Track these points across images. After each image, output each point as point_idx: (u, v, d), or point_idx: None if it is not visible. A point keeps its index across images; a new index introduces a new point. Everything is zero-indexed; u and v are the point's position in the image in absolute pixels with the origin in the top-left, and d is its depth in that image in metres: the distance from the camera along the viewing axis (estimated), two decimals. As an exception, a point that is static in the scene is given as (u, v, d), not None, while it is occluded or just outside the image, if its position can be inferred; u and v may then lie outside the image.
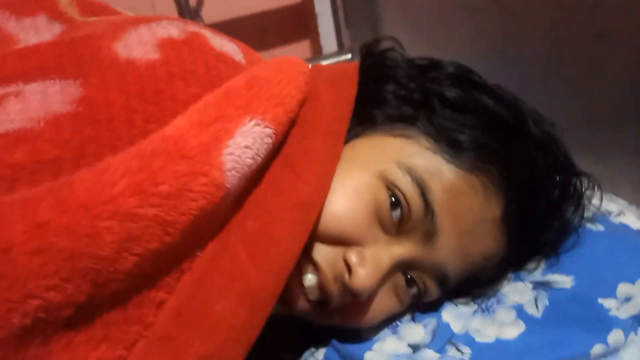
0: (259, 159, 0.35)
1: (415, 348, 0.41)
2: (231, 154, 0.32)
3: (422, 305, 0.44)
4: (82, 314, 0.28)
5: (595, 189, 0.49)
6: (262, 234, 0.35)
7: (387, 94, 0.44)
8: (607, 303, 0.42)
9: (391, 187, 0.39)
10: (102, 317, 0.29)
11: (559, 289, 0.42)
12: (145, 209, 0.29)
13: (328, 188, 0.38)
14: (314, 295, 0.39)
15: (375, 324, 0.42)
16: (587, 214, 0.50)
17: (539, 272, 0.45)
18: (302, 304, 0.40)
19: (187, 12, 0.86)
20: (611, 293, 0.42)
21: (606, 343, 0.40)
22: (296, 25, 1.05)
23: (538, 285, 0.43)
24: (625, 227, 0.54)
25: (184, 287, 0.32)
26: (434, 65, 0.46)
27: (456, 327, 0.42)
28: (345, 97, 0.43)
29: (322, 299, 0.40)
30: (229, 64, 0.39)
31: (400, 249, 0.39)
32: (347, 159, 0.41)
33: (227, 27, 0.46)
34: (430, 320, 0.43)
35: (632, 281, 0.42)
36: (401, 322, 0.43)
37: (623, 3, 0.53)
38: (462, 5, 0.75)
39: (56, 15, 0.43)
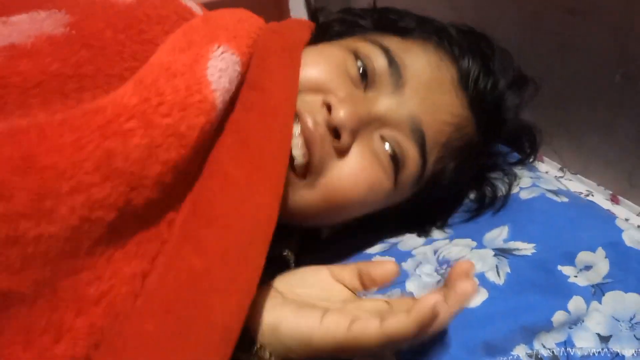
0: (233, 86, 0.36)
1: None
2: (212, 75, 0.34)
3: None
4: (121, 224, 0.30)
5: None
6: (243, 145, 0.36)
7: (341, 16, 0.52)
8: (566, 270, 0.42)
9: (356, 54, 0.43)
10: (134, 232, 0.31)
11: (520, 256, 0.43)
12: (159, 117, 0.31)
13: (295, 95, 0.39)
14: (298, 150, 0.39)
15: (361, 195, 0.42)
16: (550, 187, 0.50)
17: (500, 239, 0.45)
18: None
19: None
20: (571, 260, 0.42)
21: (567, 310, 0.40)
22: (268, 6, 1.04)
23: (500, 253, 0.43)
24: (590, 201, 0.54)
25: (187, 205, 0.34)
26: None
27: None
28: (300, 30, 0.47)
29: (305, 161, 0.40)
30: (194, 17, 0.41)
31: (376, 100, 0.42)
32: (317, 48, 0.45)
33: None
34: (394, 291, 0.42)
35: (593, 249, 0.43)
36: (365, 295, 0.43)
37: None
38: (435, -18, 0.75)
39: None
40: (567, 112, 0.65)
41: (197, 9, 0.44)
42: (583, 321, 0.41)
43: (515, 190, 0.50)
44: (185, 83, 0.33)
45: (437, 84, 0.44)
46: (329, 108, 0.40)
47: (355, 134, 0.41)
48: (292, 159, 0.39)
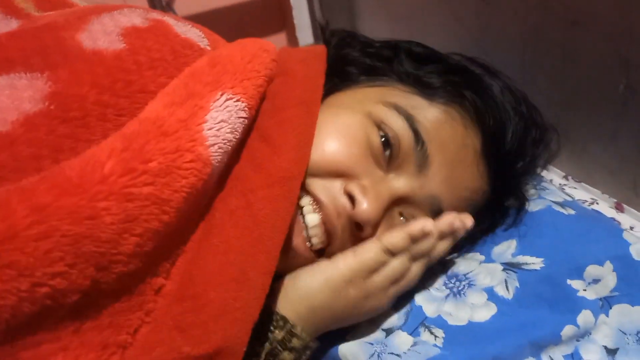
0: (237, 135, 0.35)
1: (388, 332, 0.42)
2: (210, 128, 0.33)
3: None
4: (88, 301, 0.29)
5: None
6: (246, 213, 0.35)
7: (357, 52, 0.48)
8: (576, 284, 0.42)
9: (380, 125, 0.41)
10: (107, 304, 0.30)
11: (529, 271, 0.43)
12: (139, 187, 0.29)
13: (307, 159, 0.38)
14: (317, 238, 0.39)
15: None
16: (557, 199, 0.50)
17: (509, 253, 0.45)
18: (304, 251, 0.39)
19: (159, 4, 0.85)
20: (579, 274, 0.42)
21: (576, 324, 0.40)
22: (272, 17, 1.04)
23: (508, 267, 0.44)
24: (597, 212, 0.55)
25: (179, 271, 0.33)
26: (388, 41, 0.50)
27: (429, 311, 0.42)
28: (315, 70, 0.44)
29: (323, 247, 0.40)
30: (194, 50, 0.39)
31: (397, 182, 0.41)
32: (333, 106, 0.43)
33: (201, 20, 0.45)
34: (403, 304, 0.43)
35: (601, 263, 0.43)
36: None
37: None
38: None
39: (12, 11, 0.42)
40: (571, 121, 0.65)
41: (199, 38, 0.41)
42: (590, 334, 0.41)
43: (531, 194, 0.50)
44: (175, 143, 0.31)
45: (460, 160, 0.43)
46: (351, 198, 0.39)
47: (378, 224, 0.40)
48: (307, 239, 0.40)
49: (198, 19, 0.46)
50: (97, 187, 0.28)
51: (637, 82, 0.54)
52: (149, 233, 0.30)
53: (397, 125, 0.41)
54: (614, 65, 0.55)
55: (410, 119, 0.41)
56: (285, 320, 0.37)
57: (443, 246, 0.41)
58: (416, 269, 0.41)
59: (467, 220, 0.41)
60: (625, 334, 0.41)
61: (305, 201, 0.39)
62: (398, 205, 0.42)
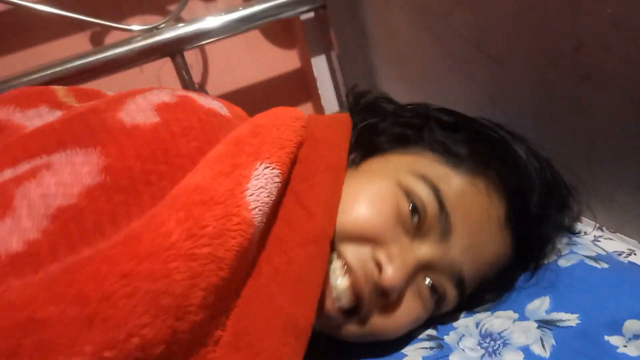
0: (272, 197, 0.40)
1: (427, 398, 0.41)
2: (251, 195, 0.38)
3: (440, 317, 0.47)
4: (168, 355, 0.32)
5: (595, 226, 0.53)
6: (289, 269, 0.40)
7: (388, 121, 0.51)
8: (614, 340, 0.41)
9: (409, 193, 0.44)
10: (181, 356, 0.34)
11: (564, 327, 0.42)
12: (200, 248, 0.34)
13: (335, 217, 0.42)
14: (346, 300, 0.42)
15: (403, 332, 0.45)
16: (589, 253, 0.50)
17: (542, 310, 0.44)
18: (332, 311, 0.42)
19: (192, 87, 0.91)
20: (617, 330, 0.41)
21: (619, 381, 0.39)
22: (298, 89, 1.10)
23: (543, 324, 0.43)
24: (632, 264, 0.53)
25: (232, 323, 0.37)
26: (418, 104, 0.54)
27: (465, 374, 0.41)
28: (341, 136, 0.49)
29: (352, 307, 0.43)
30: (217, 117, 0.45)
31: (422, 249, 0.43)
32: (367, 172, 0.47)
33: (231, 98, 0.49)
34: (439, 366, 0.42)
35: (639, 317, 0.42)
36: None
37: (603, 43, 0.55)
38: (451, 55, 0.79)
39: (56, 104, 0.48)
40: (595, 173, 0.65)
41: (219, 107, 0.46)
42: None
43: (552, 258, 0.50)
44: (225, 210, 0.36)
45: (484, 229, 0.45)
46: (378, 265, 0.42)
47: (404, 290, 0.43)
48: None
49: (228, 97, 0.50)
50: (168, 252, 0.33)
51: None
52: (210, 287, 0.34)
53: (425, 195, 0.44)
54: (630, 116, 0.56)
55: (436, 190, 0.44)
56: None
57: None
58: None
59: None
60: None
61: (337, 265, 0.43)
62: (423, 271, 0.44)
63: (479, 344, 0.43)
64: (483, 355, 0.42)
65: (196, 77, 1.01)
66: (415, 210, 0.43)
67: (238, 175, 0.38)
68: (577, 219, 0.54)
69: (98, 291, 0.30)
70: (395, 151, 0.49)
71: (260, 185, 0.38)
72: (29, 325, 0.29)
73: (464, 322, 0.46)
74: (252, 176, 0.38)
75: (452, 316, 0.48)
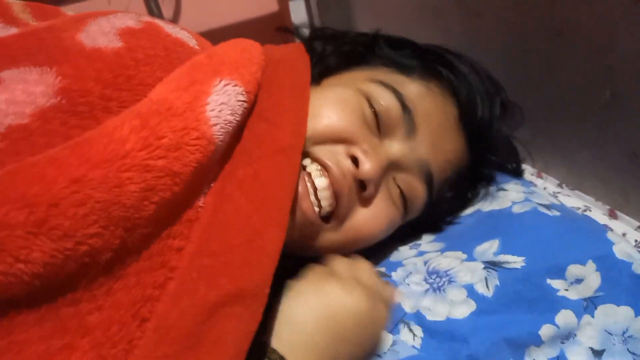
0: (237, 117, 0.39)
1: (368, 331, 0.41)
2: (212, 110, 0.37)
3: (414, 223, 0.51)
4: (117, 259, 0.32)
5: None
6: (255, 180, 0.39)
7: (337, 42, 0.54)
8: (556, 284, 0.42)
9: (370, 98, 0.46)
10: (132, 263, 0.33)
11: (509, 269, 0.43)
12: (155, 160, 0.33)
13: (304, 131, 0.42)
14: (326, 200, 0.43)
15: (380, 235, 0.47)
16: (543, 202, 0.50)
17: (491, 252, 0.45)
18: (312, 216, 0.42)
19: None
20: (560, 274, 0.42)
21: (555, 324, 0.40)
22: (273, 33, 1.08)
23: (489, 265, 0.44)
24: (584, 215, 0.54)
25: (196, 234, 0.36)
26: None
27: (408, 306, 0.42)
28: (301, 59, 0.49)
29: (329, 212, 0.43)
30: (185, 48, 0.43)
31: (392, 147, 0.46)
32: (328, 86, 0.49)
33: (205, 38, 0.48)
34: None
35: (583, 263, 0.43)
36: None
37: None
38: (427, 6, 0.77)
39: (11, 20, 0.45)
40: (559, 130, 0.66)
41: (188, 38, 0.45)
42: (575, 335, 0.41)
43: (507, 204, 0.51)
44: (183, 122, 0.35)
45: (443, 126, 0.49)
46: (354, 160, 0.43)
47: (379, 184, 0.45)
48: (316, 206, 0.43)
49: (202, 36, 0.48)
50: (122, 160, 0.32)
51: (621, 90, 0.54)
52: (163, 201, 0.33)
53: (385, 97, 0.46)
54: (598, 73, 0.56)
55: (395, 92, 0.46)
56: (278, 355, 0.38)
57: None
58: None
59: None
60: (611, 334, 0.40)
61: (313, 167, 0.43)
62: (392, 172, 0.46)
63: (425, 280, 0.44)
64: (427, 290, 0.43)
65: (167, 14, 0.97)
66: (378, 112, 0.45)
67: (197, 90, 0.37)
68: (517, 127, 0.59)
69: (46, 195, 0.29)
70: (350, 69, 0.51)
71: (221, 101, 0.37)
72: None
73: (413, 261, 0.47)
74: (212, 91, 0.37)
75: (403, 253, 0.49)
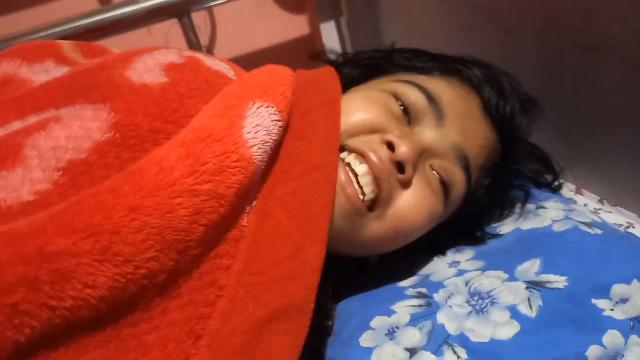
0: (273, 136, 0.41)
1: (412, 352, 0.42)
2: (249, 132, 0.39)
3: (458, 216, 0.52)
4: (171, 280, 0.35)
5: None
6: (293, 197, 0.41)
7: (357, 59, 0.60)
8: (601, 303, 0.41)
9: (397, 95, 0.48)
10: (185, 285, 0.36)
11: (552, 289, 0.43)
12: (201, 184, 0.35)
13: (338, 147, 0.44)
14: (367, 186, 0.44)
15: (423, 225, 0.48)
16: (584, 220, 0.50)
17: (532, 272, 0.45)
18: (357, 203, 0.44)
19: (199, 50, 0.90)
20: (605, 293, 0.42)
21: (602, 344, 0.39)
22: (306, 56, 1.10)
23: (531, 285, 0.44)
24: (626, 232, 0.54)
25: (242, 252, 0.39)
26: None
27: (451, 328, 0.42)
28: (330, 78, 0.51)
29: (374, 196, 0.45)
30: (224, 79, 0.45)
31: (422, 134, 0.47)
32: (354, 91, 0.52)
33: (240, 62, 0.50)
34: (426, 323, 0.43)
35: (628, 282, 0.42)
36: (398, 328, 0.44)
37: (613, 12, 0.54)
38: (459, 24, 0.78)
39: (63, 60, 0.49)
40: (597, 145, 0.65)
41: (226, 69, 0.47)
42: (623, 356, 0.40)
43: (547, 222, 0.51)
44: (223, 147, 0.37)
45: (469, 114, 0.50)
46: (389, 145, 0.45)
47: (415, 166, 0.46)
48: (362, 194, 0.44)
49: (237, 61, 0.51)
50: (172, 187, 0.34)
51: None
52: (210, 223, 0.36)
53: (410, 92, 0.48)
54: (636, 87, 0.56)
55: (420, 87, 0.49)
56: None
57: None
58: None
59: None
60: (659, 355, 0.40)
61: (350, 157, 0.45)
62: (427, 159, 0.47)
63: (467, 302, 0.44)
64: (470, 312, 0.43)
65: (204, 40, 1.01)
66: (406, 110, 0.48)
67: (232, 115, 0.39)
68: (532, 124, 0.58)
69: (107, 224, 0.32)
70: (373, 78, 0.55)
71: (256, 122, 0.40)
72: (41, 257, 0.30)
73: (454, 281, 0.47)
74: (246, 115, 0.39)
75: (443, 272, 0.49)
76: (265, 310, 0.37)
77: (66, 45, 0.52)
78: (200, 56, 0.47)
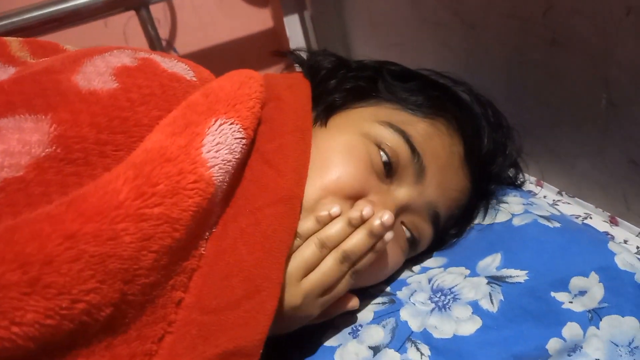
0: (236, 155, 0.39)
1: (375, 350, 0.42)
2: (209, 151, 0.36)
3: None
4: (119, 314, 0.32)
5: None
6: (256, 229, 0.39)
7: (338, 77, 0.52)
8: (560, 296, 0.42)
9: (379, 142, 0.45)
10: (134, 318, 0.33)
11: (513, 283, 0.43)
12: (151, 208, 0.32)
13: (305, 179, 0.42)
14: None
15: (383, 279, 0.47)
16: (543, 213, 0.51)
17: (493, 267, 0.45)
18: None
19: (159, 44, 0.88)
20: (564, 286, 0.42)
21: (561, 337, 0.40)
22: (270, 49, 1.08)
23: (493, 280, 0.44)
24: (584, 224, 0.55)
25: (196, 284, 0.36)
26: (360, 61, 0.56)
27: (414, 325, 0.42)
28: (304, 97, 0.48)
29: None
30: (181, 83, 0.42)
31: (400, 193, 0.45)
32: (334, 127, 0.48)
33: (202, 57, 0.48)
34: (389, 320, 0.43)
35: (586, 274, 0.43)
36: (361, 326, 0.44)
37: (572, 6, 0.55)
38: (427, 19, 0.78)
39: (9, 59, 0.45)
40: (558, 138, 0.66)
41: (185, 71, 0.44)
42: (582, 348, 0.41)
43: (507, 217, 0.51)
44: (178, 167, 0.34)
45: (450, 168, 0.48)
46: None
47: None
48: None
49: (199, 56, 0.49)
50: (115, 211, 0.31)
51: (618, 97, 0.55)
52: (164, 249, 0.33)
53: (394, 141, 0.45)
54: (595, 82, 0.56)
55: (404, 135, 0.45)
56: None
57: (358, 238, 0.41)
58: (337, 267, 0.41)
59: (385, 215, 0.41)
60: (617, 345, 0.40)
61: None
62: (399, 216, 0.45)
63: (430, 299, 0.44)
64: (433, 309, 0.43)
65: (164, 34, 0.98)
66: (388, 158, 0.45)
67: (190, 133, 0.36)
68: (519, 153, 0.59)
69: (40, 254, 0.29)
70: (355, 105, 0.50)
71: (217, 141, 0.37)
72: None
73: (417, 279, 0.47)
74: (206, 132, 0.37)
75: (406, 272, 0.49)
76: (216, 352, 0.35)
77: (14, 42, 0.48)
78: (156, 58, 0.44)
